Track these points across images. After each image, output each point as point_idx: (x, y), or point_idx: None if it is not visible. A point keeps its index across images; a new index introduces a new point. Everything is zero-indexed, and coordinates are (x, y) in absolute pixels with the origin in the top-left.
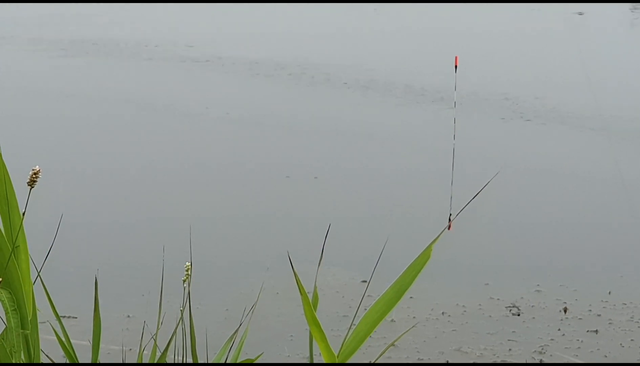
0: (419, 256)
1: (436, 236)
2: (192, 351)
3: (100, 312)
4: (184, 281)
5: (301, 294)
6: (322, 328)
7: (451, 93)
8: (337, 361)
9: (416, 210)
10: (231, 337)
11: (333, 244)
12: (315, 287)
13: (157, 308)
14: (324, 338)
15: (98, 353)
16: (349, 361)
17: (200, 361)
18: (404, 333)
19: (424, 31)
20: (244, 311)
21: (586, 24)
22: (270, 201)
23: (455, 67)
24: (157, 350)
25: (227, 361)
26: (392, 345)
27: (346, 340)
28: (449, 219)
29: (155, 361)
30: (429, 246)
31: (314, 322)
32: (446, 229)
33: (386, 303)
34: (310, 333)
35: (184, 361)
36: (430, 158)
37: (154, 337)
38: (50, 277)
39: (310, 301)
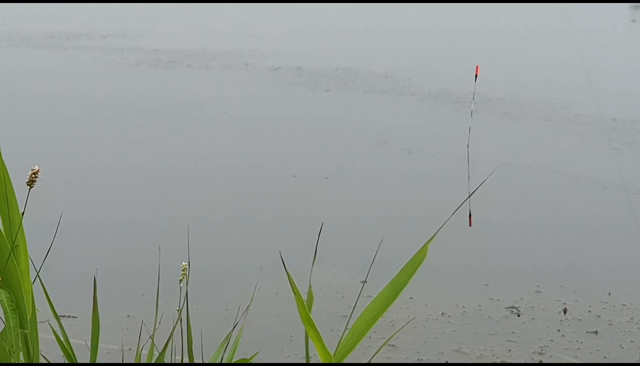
0: (414, 256)
1: (441, 237)
2: (188, 350)
3: (100, 312)
4: (180, 280)
5: (295, 294)
6: (316, 327)
7: (461, 95)
8: (333, 360)
9: (419, 211)
10: (227, 337)
11: (334, 244)
12: (310, 286)
13: (160, 308)
14: (319, 338)
15: (97, 352)
16: (347, 360)
17: (197, 361)
18: (399, 329)
19: (433, 32)
20: (244, 311)
21: (586, 24)
22: (273, 201)
23: (476, 76)
24: (155, 349)
25: (222, 361)
26: (387, 343)
27: (342, 339)
28: (469, 215)
29: (153, 361)
30: (425, 246)
31: (308, 322)
32: (442, 231)
33: (382, 302)
34: (306, 332)
35: (182, 361)
36: (436, 160)
37: (152, 337)
38: (50, 277)
39: (305, 300)
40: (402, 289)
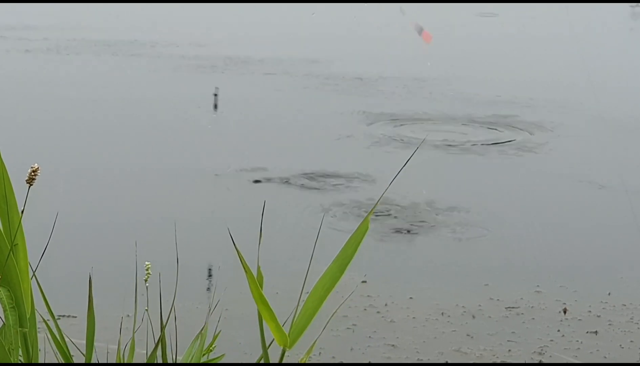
0: (357, 229)
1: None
2: (162, 351)
3: (101, 312)
4: (145, 280)
5: (245, 271)
6: (270, 306)
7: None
8: (288, 340)
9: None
10: (197, 335)
11: (334, 244)
12: (258, 267)
13: (157, 307)
14: (273, 318)
15: (92, 351)
16: (344, 356)
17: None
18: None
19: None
20: (243, 310)
21: (586, 24)
22: (273, 200)
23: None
24: (135, 347)
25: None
26: (335, 313)
27: (295, 319)
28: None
29: (148, 361)
30: (366, 218)
31: (261, 300)
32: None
33: (330, 279)
34: (259, 312)
35: (175, 361)
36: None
37: (133, 335)
38: (50, 276)
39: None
40: (348, 263)
